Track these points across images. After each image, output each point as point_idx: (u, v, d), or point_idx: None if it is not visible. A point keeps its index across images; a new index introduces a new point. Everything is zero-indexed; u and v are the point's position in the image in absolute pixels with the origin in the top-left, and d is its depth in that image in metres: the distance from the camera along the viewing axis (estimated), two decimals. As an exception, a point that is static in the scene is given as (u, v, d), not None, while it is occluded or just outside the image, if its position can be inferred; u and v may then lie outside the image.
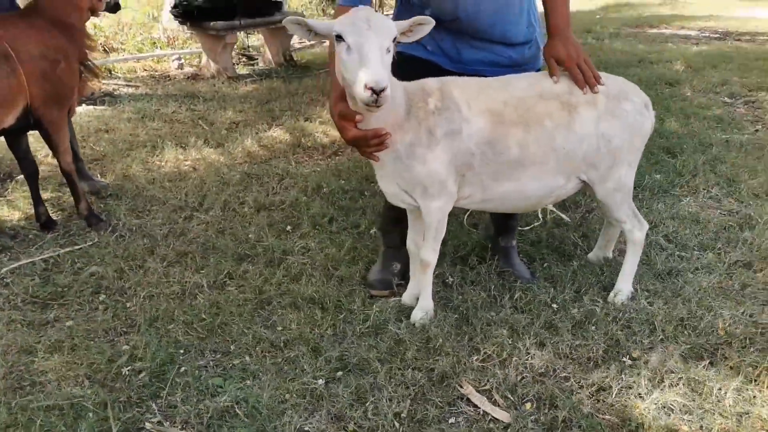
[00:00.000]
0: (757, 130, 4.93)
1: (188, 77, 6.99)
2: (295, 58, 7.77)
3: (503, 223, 2.85)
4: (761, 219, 3.23)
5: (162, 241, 3.21)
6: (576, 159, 2.27)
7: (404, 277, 2.79)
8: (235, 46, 7.60)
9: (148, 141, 4.73)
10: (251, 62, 7.94)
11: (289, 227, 3.35)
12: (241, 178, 4.01)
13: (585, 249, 3.04)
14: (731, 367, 2.19)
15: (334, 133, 4.92)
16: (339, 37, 1.87)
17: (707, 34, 9.90)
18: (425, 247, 2.37)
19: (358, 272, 2.84)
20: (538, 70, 2.57)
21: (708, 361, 2.23)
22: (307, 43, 9.45)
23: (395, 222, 2.84)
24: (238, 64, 7.64)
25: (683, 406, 2.02)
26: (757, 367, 2.17)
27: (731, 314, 2.47)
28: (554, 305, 2.55)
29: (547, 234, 3.16)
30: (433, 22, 1.98)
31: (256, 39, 9.31)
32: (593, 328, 2.40)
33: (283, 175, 4.09)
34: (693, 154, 4.20)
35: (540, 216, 3.30)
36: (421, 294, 2.49)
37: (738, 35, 9.65)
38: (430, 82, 2.21)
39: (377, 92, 1.72)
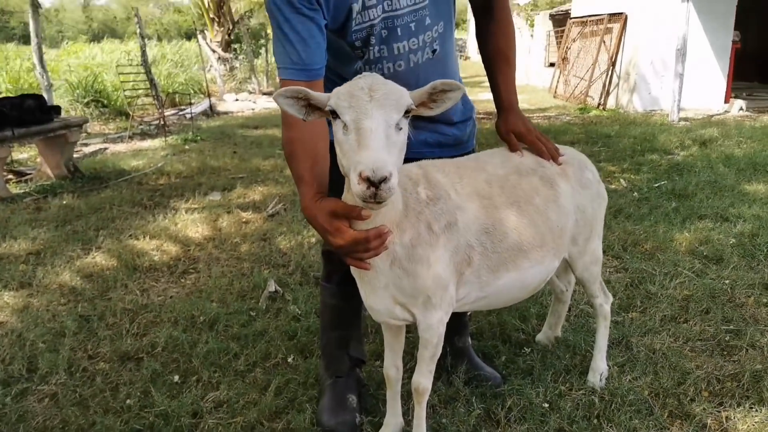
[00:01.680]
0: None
1: (-60, 205, 5.49)
2: (80, 169, 6.65)
3: (456, 320, 2.49)
4: (655, 271, 3.39)
5: (-7, 438, 2.20)
6: (566, 236, 2.05)
7: (362, 408, 2.26)
8: None
9: None
10: (22, 178, 6.59)
11: (177, 377, 2.55)
12: (78, 325, 3.04)
13: (529, 331, 2.82)
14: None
15: (173, 249, 4.16)
16: (334, 113, 1.41)
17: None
18: (421, 371, 1.89)
19: (306, 419, 2.21)
20: (473, 148, 2.36)
21: (722, 430, 2.10)
22: (87, 151, 8.29)
23: (341, 344, 2.32)
24: (7, 183, 6.26)
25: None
26: (770, 423, 2.10)
27: (703, 374, 2.42)
28: (546, 404, 2.24)
29: (486, 323, 2.88)
30: (463, 89, 1.61)
31: (20, 152, 7.91)
32: (604, 423, 2.13)
33: (135, 310, 3.22)
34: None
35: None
36: (415, 428, 1.98)
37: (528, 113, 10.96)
38: (412, 168, 1.83)
39: (375, 183, 1.26)
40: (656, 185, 5.47)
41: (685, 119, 9.69)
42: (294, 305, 3.17)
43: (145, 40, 11.18)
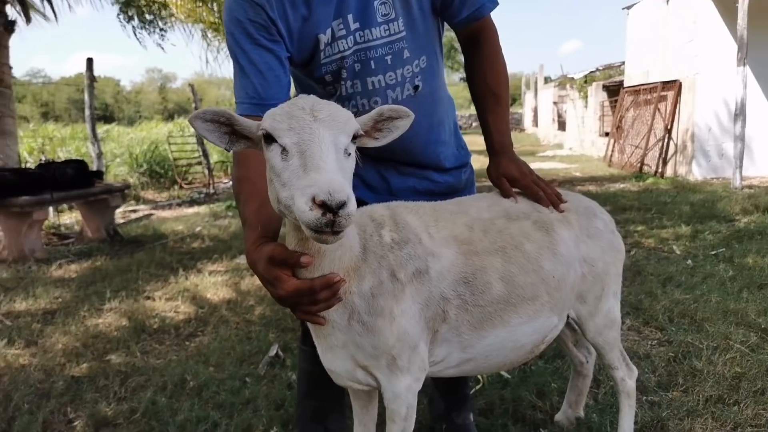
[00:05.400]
0: (632, 253, 5.02)
1: (-19, 264, 5.63)
2: (120, 233, 6.77)
3: (455, 393, 2.19)
4: (702, 344, 2.96)
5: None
6: (566, 289, 1.76)
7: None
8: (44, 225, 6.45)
9: None
10: (65, 242, 6.75)
11: (149, 447, 2.34)
12: (66, 386, 2.90)
13: (547, 410, 2.46)
14: None
15: (187, 310, 4.02)
16: (269, 138, 1.21)
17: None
18: (390, 451, 1.60)
19: (272, 502, 1.93)
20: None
21: None
22: (134, 217, 8.49)
23: (318, 416, 2.04)
24: (48, 245, 6.42)
25: None
26: None
27: (755, 466, 1.99)
28: (555, 498, 1.88)
29: (498, 398, 2.54)
30: (412, 116, 1.41)
31: (68, 217, 8.18)
32: None
33: (128, 373, 3.05)
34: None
35: (479, 377, 2.70)
36: None
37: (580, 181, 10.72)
38: (378, 209, 1.62)
39: (333, 208, 1.04)
40: (713, 253, 5.00)
41: (750, 187, 9.09)
42: (292, 371, 2.92)
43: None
